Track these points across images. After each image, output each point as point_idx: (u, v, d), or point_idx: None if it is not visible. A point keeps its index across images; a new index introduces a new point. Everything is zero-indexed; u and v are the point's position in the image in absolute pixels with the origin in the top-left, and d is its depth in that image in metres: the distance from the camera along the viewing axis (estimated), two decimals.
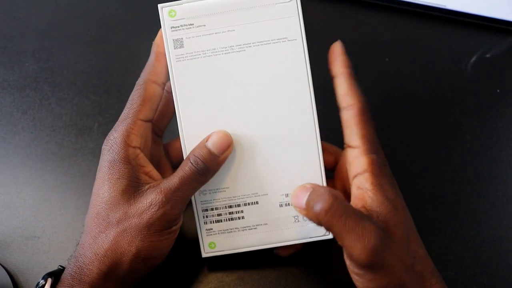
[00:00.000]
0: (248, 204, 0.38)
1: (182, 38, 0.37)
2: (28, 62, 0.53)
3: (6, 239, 0.44)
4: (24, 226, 0.45)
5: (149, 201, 0.34)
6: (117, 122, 0.37)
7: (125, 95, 0.50)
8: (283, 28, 0.37)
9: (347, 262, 0.34)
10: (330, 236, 0.38)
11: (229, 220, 0.38)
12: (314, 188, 0.34)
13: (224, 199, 0.38)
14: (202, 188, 0.37)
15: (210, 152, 0.36)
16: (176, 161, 0.42)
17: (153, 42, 0.38)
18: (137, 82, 0.37)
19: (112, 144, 0.36)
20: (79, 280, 0.34)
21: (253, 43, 0.37)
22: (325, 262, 0.42)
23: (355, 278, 0.34)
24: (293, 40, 0.37)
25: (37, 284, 0.35)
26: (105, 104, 0.50)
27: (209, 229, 0.39)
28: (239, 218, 0.38)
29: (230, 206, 0.38)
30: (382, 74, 0.52)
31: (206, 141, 0.36)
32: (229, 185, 0.38)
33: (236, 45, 0.37)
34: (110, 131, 0.37)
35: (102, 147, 0.36)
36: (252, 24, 0.37)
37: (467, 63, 0.53)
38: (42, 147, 0.48)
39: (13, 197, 0.46)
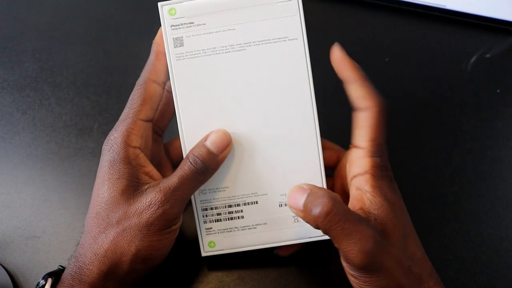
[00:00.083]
0: (248, 203, 0.38)
1: (182, 37, 0.37)
2: (28, 62, 0.53)
3: (6, 239, 0.44)
4: (24, 226, 0.45)
5: (149, 201, 0.34)
6: (117, 122, 0.37)
7: (125, 95, 0.50)
8: (284, 27, 0.37)
9: (344, 264, 0.34)
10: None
11: (228, 220, 0.38)
12: (312, 189, 0.33)
13: (224, 199, 0.38)
14: (201, 188, 0.37)
15: (209, 151, 0.36)
16: (176, 160, 0.42)
17: (153, 41, 0.38)
18: (137, 82, 0.37)
19: (113, 144, 0.36)
20: (79, 280, 0.34)
21: (253, 42, 0.37)
22: (324, 262, 0.42)
23: (352, 280, 0.34)
24: (294, 39, 0.37)
25: (37, 284, 0.35)
26: (105, 104, 0.50)
27: (208, 228, 0.39)
28: (238, 218, 0.38)
29: (230, 206, 0.38)
30: (382, 74, 0.52)
31: (205, 140, 0.36)
32: (228, 185, 0.38)
33: (236, 44, 0.37)
34: (111, 131, 0.36)
35: (103, 147, 0.36)
36: (253, 23, 0.37)
37: (467, 63, 0.53)
38: (42, 147, 0.48)
39: (13, 197, 0.46)
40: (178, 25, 0.37)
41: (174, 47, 0.37)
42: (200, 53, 0.37)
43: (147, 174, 0.36)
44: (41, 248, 0.44)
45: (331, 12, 0.56)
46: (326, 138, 0.40)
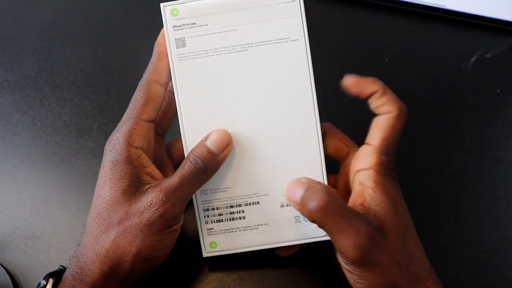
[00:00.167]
0: (249, 204, 0.38)
1: (184, 37, 0.37)
2: (28, 62, 0.53)
3: (6, 239, 0.44)
4: (24, 226, 0.45)
5: (150, 200, 0.34)
6: (120, 123, 0.37)
7: (125, 95, 0.50)
8: (286, 28, 0.37)
9: (339, 259, 0.35)
10: None
11: (230, 220, 0.38)
12: (310, 183, 0.34)
13: (225, 199, 0.38)
14: (203, 188, 0.37)
15: (209, 151, 0.36)
16: (178, 161, 0.42)
17: (155, 42, 0.38)
18: (139, 82, 0.37)
19: (115, 145, 0.36)
20: (80, 280, 0.34)
21: (255, 43, 0.37)
22: (325, 262, 0.42)
23: (348, 275, 0.35)
24: (295, 40, 0.37)
25: (39, 285, 0.35)
26: (105, 104, 0.50)
27: (210, 229, 0.39)
28: (240, 218, 0.38)
29: (231, 206, 0.38)
30: (382, 74, 0.52)
31: (206, 140, 0.36)
32: (230, 185, 0.38)
33: (238, 45, 0.37)
34: (113, 132, 0.36)
35: (105, 148, 0.36)
36: (255, 24, 0.37)
37: (467, 63, 0.53)
38: (42, 147, 0.48)
39: (13, 197, 0.46)
40: (180, 26, 0.37)
41: (176, 48, 0.37)
42: (202, 54, 0.37)
43: (149, 174, 0.36)
44: (41, 248, 0.44)
45: (331, 12, 0.56)
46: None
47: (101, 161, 0.36)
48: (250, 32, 0.37)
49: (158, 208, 0.34)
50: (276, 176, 0.38)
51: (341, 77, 0.37)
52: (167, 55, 0.37)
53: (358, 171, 0.36)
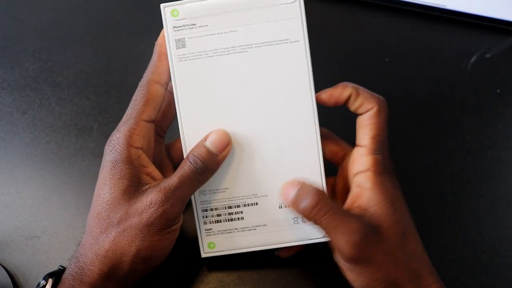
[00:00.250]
0: (248, 205, 0.38)
1: (184, 38, 0.37)
2: (28, 62, 0.53)
3: (6, 239, 0.44)
4: (24, 226, 0.45)
5: (149, 200, 0.34)
6: (120, 123, 0.37)
7: (125, 95, 0.50)
8: (286, 30, 0.37)
9: (336, 257, 0.35)
10: (329, 238, 0.38)
11: (228, 221, 0.38)
12: (302, 185, 0.35)
13: (224, 200, 0.38)
14: (202, 188, 0.37)
15: (208, 151, 0.36)
16: (177, 161, 0.41)
17: (155, 42, 0.38)
18: (140, 83, 0.37)
19: (115, 145, 0.36)
20: (80, 281, 0.34)
21: (255, 44, 0.37)
22: (324, 263, 0.42)
23: (347, 274, 0.35)
24: (295, 41, 0.37)
25: (38, 285, 0.35)
26: (105, 104, 0.50)
27: (208, 229, 0.39)
28: (238, 219, 0.38)
29: (230, 207, 0.38)
30: (382, 74, 0.52)
31: (205, 140, 0.36)
32: (229, 186, 0.38)
33: (238, 46, 0.37)
34: (113, 132, 0.37)
35: (105, 148, 0.36)
36: (255, 25, 0.37)
37: (467, 63, 0.53)
38: (42, 147, 0.48)
39: (13, 197, 0.46)
40: (180, 27, 0.37)
41: (176, 48, 0.37)
42: (202, 55, 0.37)
43: (148, 174, 0.36)
44: (41, 248, 0.44)
45: (331, 12, 0.56)
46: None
47: (101, 161, 0.36)
48: (250, 33, 0.37)
49: (157, 208, 0.34)
50: (275, 177, 0.38)
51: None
52: (167, 55, 0.37)
53: (356, 174, 0.37)
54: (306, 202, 0.34)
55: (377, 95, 0.37)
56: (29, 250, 0.44)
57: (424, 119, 0.50)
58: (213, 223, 0.39)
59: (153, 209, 0.34)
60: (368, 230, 0.33)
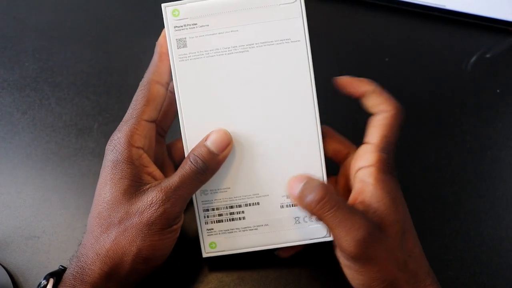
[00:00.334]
0: (249, 204, 0.38)
1: (185, 38, 0.37)
2: (28, 62, 0.53)
3: (6, 239, 0.44)
4: (24, 226, 0.45)
5: (150, 200, 0.34)
6: (121, 123, 0.37)
7: (125, 95, 0.50)
8: (287, 29, 0.37)
9: (337, 253, 0.35)
10: (331, 238, 0.38)
11: (230, 221, 0.38)
12: (308, 179, 0.35)
13: (225, 199, 0.38)
14: (203, 188, 0.37)
15: (209, 151, 0.36)
16: (178, 161, 0.42)
17: (156, 42, 0.38)
18: (140, 83, 0.37)
19: (116, 144, 0.36)
20: (81, 280, 0.34)
21: (256, 44, 0.37)
22: (325, 262, 0.42)
23: (346, 272, 0.35)
24: (296, 41, 0.37)
25: (39, 284, 0.35)
26: (105, 104, 0.50)
27: (210, 229, 0.39)
28: (240, 219, 0.38)
29: (231, 207, 0.38)
30: (382, 74, 0.52)
31: (206, 140, 0.36)
32: (230, 186, 0.38)
33: (239, 46, 0.37)
34: (114, 132, 0.37)
35: (106, 147, 0.36)
36: (256, 24, 0.37)
37: (467, 63, 0.53)
38: (42, 147, 0.48)
39: (13, 197, 0.46)
40: (181, 26, 0.37)
41: (177, 48, 0.37)
42: (203, 54, 0.37)
43: (149, 174, 0.36)
44: (41, 248, 0.44)
45: (331, 12, 0.56)
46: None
47: (101, 161, 0.36)
48: (251, 33, 0.37)
49: (158, 208, 0.34)
50: (276, 177, 0.38)
51: (334, 81, 0.38)
52: (168, 55, 0.37)
53: (359, 169, 0.37)
54: (312, 196, 0.34)
55: (396, 101, 0.37)
56: (29, 250, 0.44)
57: (424, 119, 0.50)
58: (214, 223, 0.39)
59: (153, 208, 0.34)
60: (372, 227, 0.33)
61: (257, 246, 0.39)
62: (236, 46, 0.37)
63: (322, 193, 0.33)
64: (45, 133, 0.49)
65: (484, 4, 0.54)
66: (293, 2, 0.36)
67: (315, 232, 0.38)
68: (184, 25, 0.37)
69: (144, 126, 0.36)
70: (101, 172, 0.36)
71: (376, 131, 0.37)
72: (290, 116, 0.37)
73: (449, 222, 0.45)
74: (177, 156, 0.42)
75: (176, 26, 0.37)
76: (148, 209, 0.34)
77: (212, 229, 0.39)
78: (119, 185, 0.35)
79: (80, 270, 0.34)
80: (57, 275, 0.36)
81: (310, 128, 0.37)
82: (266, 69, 0.37)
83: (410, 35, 0.55)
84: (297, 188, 0.35)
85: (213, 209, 0.38)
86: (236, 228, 0.39)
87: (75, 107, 0.50)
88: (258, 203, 0.38)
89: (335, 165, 0.41)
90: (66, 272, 0.35)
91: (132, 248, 0.34)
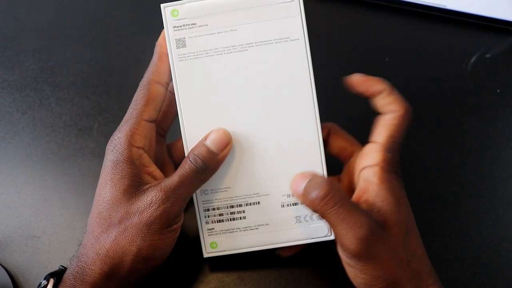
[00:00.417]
0: (250, 204, 0.38)
1: (184, 38, 0.37)
2: (28, 62, 0.53)
3: (6, 239, 0.44)
4: (24, 226, 0.45)
5: (149, 199, 0.34)
6: (121, 123, 0.37)
7: (125, 95, 0.50)
8: (286, 28, 0.37)
9: (339, 252, 0.35)
10: (332, 237, 0.38)
11: (230, 220, 0.38)
12: (313, 176, 0.35)
13: (226, 199, 0.38)
14: (203, 188, 0.37)
15: (209, 150, 0.36)
16: (179, 161, 0.41)
17: (156, 43, 0.38)
18: (140, 83, 0.38)
19: (116, 144, 0.36)
20: (81, 280, 0.34)
21: (255, 43, 0.37)
22: (325, 262, 0.42)
23: (348, 270, 0.35)
24: (295, 40, 0.37)
25: (39, 285, 0.35)
26: (105, 104, 0.50)
27: (210, 229, 0.39)
28: (240, 218, 0.38)
29: (232, 206, 0.38)
30: (382, 74, 0.52)
31: (205, 139, 0.36)
32: (230, 185, 0.38)
33: (238, 45, 0.37)
34: (114, 132, 0.37)
35: (106, 147, 0.36)
36: (254, 23, 0.37)
37: (467, 63, 0.53)
38: (42, 147, 0.48)
39: (13, 197, 0.46)
40: (181, 26, 0.37)
41: (177, 48, 0.37)
42: (202, 54, 0.37)
43: (150, 174, 0.36)
44: (41, 248, 0.44)
45: (331, 12, 0.56)
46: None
47: (101, 161, 0.36)
48: (250, 32, 0.37)
49: (158, 207, 0.34)
50: (277, 176, 0.38)
51: (345, 80, 0.37)
52: (168, 55, 0.37)
53: (363, 168, 0.37)
54: (316, 192, 0.34)
55: (405, 102, 0.37)
56: (29, 250, 0.44)
57: (424, 119, 0.50)
58: (215, 222, 0.39)
59: (153, 208, 0.34)
60: (375, 226, 0.33)
61: (258, 246, 0.39)
62: (235, 46, 0.37)
63: (327, 189, 0.33)
64: (45, 133, 0.49)
65: (484, 4, 0.54)
66: (292, 0, 0.36)
67: (316, 231, 0.38)
68: (183, 25, 0.37)
69: (144, 126, 0.36)
70: (101, 172, 0.36)
71: (383, 130, 0.37)
72: (290, 114, 0.37)
73: (449, 222, 0.45)
74: (177, 156, 0.42)
75: (175, 26, 0.37)
76: (147, 209, 0.34)
77: (213, 229, 0.39)
78: (119, 185, 0.35)
79: (80, 270, 0.34)
80: (57, 275, 0.35)
81: (310, 126, 0.37)
82: (266, 68, 0.37)
83: (410, 35, 0.55)
84: (302, 185, 0.35)
85: (213, 209, 0.38)
86: (237, 228, 0.39)
87: (75, 107, 0.50)
88: (258, 203, 0.38)
89: (337, 165, 0.41)
90: (66, 272, 0.35)
91: (132, 248, 0.34)
